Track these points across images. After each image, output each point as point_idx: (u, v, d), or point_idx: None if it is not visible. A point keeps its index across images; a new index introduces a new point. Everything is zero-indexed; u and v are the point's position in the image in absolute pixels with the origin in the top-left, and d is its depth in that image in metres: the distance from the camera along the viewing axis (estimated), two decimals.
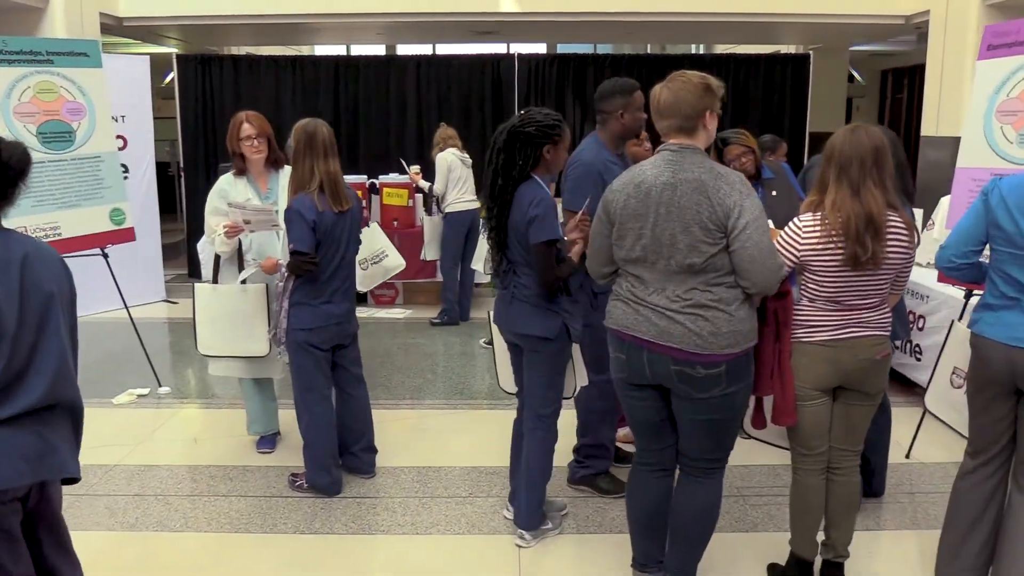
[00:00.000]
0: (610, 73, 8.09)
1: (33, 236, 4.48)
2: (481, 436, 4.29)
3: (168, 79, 9.74)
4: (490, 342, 3.36)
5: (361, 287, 4.66)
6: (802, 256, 2.56)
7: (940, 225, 4.59)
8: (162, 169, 9.37)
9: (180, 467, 3.97)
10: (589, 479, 3.62)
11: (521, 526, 3.23)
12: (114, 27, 8.33)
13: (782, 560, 2.93)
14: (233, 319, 3.81)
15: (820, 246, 2.52)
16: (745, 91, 8.49)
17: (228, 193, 3.79)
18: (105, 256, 5.03)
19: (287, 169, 3.68)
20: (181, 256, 8.99)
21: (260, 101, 8.19)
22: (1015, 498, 2.62)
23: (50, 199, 4.79)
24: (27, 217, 4.62)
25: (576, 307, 3.12)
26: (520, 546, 3.20)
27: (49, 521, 2.06)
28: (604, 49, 12.63)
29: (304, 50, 12.50)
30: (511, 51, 9.61)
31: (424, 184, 6.84)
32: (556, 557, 3.15)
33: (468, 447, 4.18)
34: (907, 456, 3.99)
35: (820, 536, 2.86)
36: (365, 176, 7.67)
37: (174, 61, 8.57)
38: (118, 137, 6.92)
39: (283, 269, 3.45)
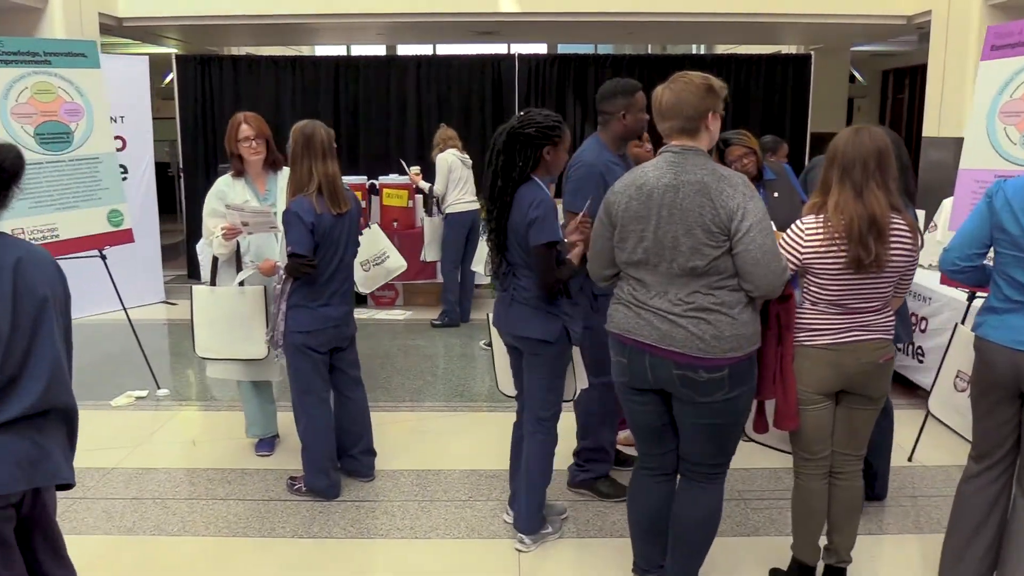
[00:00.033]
0: (611, 73, 8.08)
1: (31, 237, 4.52)
2: (481, 439, 4.27)
3: (168, 79, 9.73)
4: (490, 344, 3.34)
5: (363, 289, 4.65)
6: (804, 259, 2.53)
7: (943, 227, 4.56)
8: (162, 170, 9.36)
9: (178, 470, 3.95)
10: (589, 483, 3.60)
11: (521, 530, 3.20)
12: (114, 27, 8.31)
13: (784, 565, 2.91)
14: (231, 321, 3.79)
15: (823, 249, 2.50)
16: (746, 91, 8.46)
17: (226, 194, 3.77)
18: (103, 258, 5.00)
19: (286, 170, 3.66)
20: (181, 257, 8.98)
21: (260, 101, 8.18)
22: (1019, 502, 2.60)
23: (48, 200, 4.77)
24: (25, 219, 4.61)
25: (576, 309, 3.10)
26: (520, 550, 3.17)
27: (43, 528, 2.04)
28: (605, 49, 12.61)
29: (304, 50, 12.49)
30: (511, 51, 9.60)
31: (424, 185, 6.83)
32: (556, 561, 3.13)
33: (468, 450, 4.15)
34: (909, 459, 3.97)
35: (822, 541, 2.83)
36: (365, 177, 7.65)
37: (173, 61, 8.55)
38: (117, 138, 6.93)
39: (281, 271, 3.43)
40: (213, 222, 3.73)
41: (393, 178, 7.52)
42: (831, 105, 10.96)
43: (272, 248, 3.78)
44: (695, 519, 2.61)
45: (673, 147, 2.43)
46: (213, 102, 8.48)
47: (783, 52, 10.26)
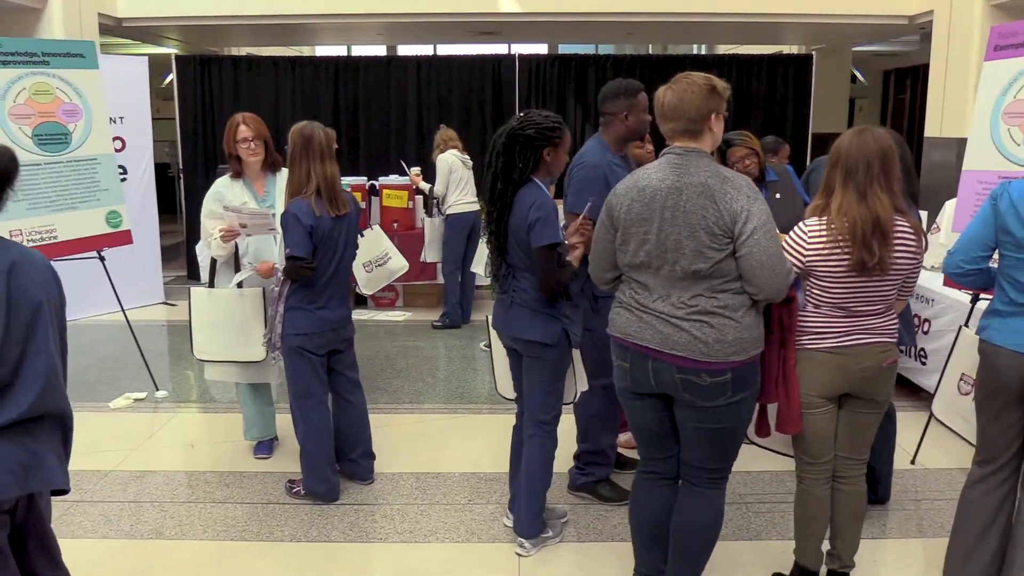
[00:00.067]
0: (611, 74, 8.06)
1: (29, 239, 4.50)
2: (481, 441, 4.25)
3: (168, 80, 9.71)
4: (489, 345, 3.32)
5: (365, 290, 4.63)
6: (807, 261, 2.51)
7: (946, 229, 4.54)
8: (162, 170, 9.35)
9: (177, 473, 3.93)
10: (590, 486, 3.57)
11: (521, 534, 3.18)
12: (113, 28, 8.29)
13: (786, 569, 2.88)
14: (229, 324, 3.76)
15: (826, 251, 2.48)
16: (747, 92, 8.44)
17: (224, 196, 3.75)
18: (102, 259, 4.98)
19: (284, 172, 3.64)
20: (180, 258, 8.96)
21: (260, 102, 8.16)
22: None
23: (46, 202, 4.75)
24: (22, 220, 4.59)
25: (576, 312, 3.08)
26: (520, 555, 3.15)
27: (38, 534, 2.02)
28: (605, 49, 12.60)
29: (304, 51, 12.48)
30: (512, 52, 9.57)
31: (424, 186, 6.80)
32: (556, 566, 3.11)
33: (468, 452, 4.13)
34: (912, 462, 3.94)
35: (825, 545, 2.81)
36: (365, 178, 7.63)
37: (173, 62, 8.53)
38: (117, 138, 6.92)
39: (279, 273, 3.40)
40: (211, 224, 3.71)
41: (393, 179, 7.49)
42: (832, 105, 10.94)
43: (271, 250, 3.76)
44: (696, 525, 2.58)
45: (676, 149, 2.41)
46: (213, 102, 8.46)
47: (784, 52, 10.24)
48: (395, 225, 7.20)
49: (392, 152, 8.38)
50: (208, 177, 7.79)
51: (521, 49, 10.20)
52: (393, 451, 4.09)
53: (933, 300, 4.54)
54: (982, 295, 3.47)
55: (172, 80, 8.63)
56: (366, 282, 4.57)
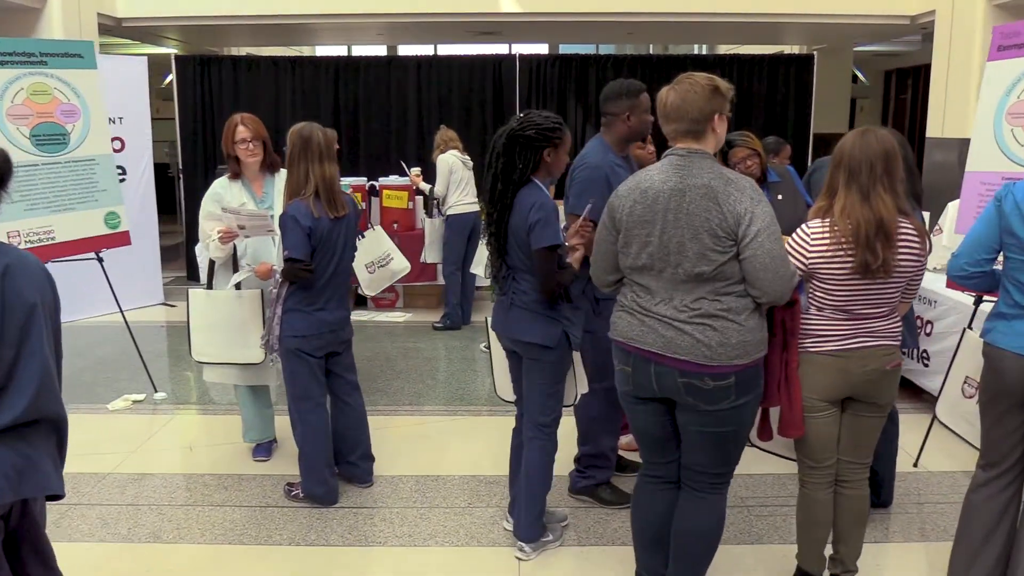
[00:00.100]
0: (612, 74, 8.04)
1: (27, 240, 4.48)
2: (481, 443, 4.23)
3: (168, 80, 9.69)
4: (489, 347, 3.29)
5: (368, 291, 4.61)
6: (810, 264, 2.48)
7: (948, 230, 4.51)
8: (162, 170, 9.33)
9: (175, 475, 3.91)
10: (590, 489, 3.55)
11: (521, 538, 3.16)
12: (113, 28, 8.28)
13: (788, 574, 2.85)
14: (228, 325, 3.74)
15: (829, 253, 2.45)
16: (748, 92, 8.41)
17: (222, 197, 3.73)
18: (100, 260, 4.96)
19: (283, 173, 3.61)
20: (180, 258, 8.94)
21: (260, 102, 8.15)
22: None
23: (44, 203, 4.73)
24: (20, 221, 4.57)
25: (577, 314, 3.05)
26: (520, 559, 3.13)
27: (32, 540, 1.99)
28: (606, 50, 12.58)
29: (305, 51, 12.46)
30: (512, 52, 9.55)
31: (425, 186, 6.78)
32: (557, 570, 3.08)
33: (468, 455, 4.11)
34: (915, 465, 3.92)
35: (828, 550, 2.78)
36: (365, 178, 7.61)
37: (173, 62, 8.51)
38: (116, 138, 6.90)
39: (277, 275, 3.38)
40: (210, 225, 3.69)
41: (393, 179, 7.47)
42: (833, 106, 10.92)
43: (269, 251, 3.73)
44: (697, 530, 2.55)
45: (679, 150, 2.38)
46: (213, 103, 8.44)
47: (785, 52, 10.22)
48: (395, 226, 7.17)
49: (392, 152, 8.37)
50: (208, 177, 7.76)
51: (522, 49, 10.18)
52: (393, 453, 4.07)
53: (936, 302, 4.51)
54: (986, 297, 3.45)
55: (172, 80, 8.62)
56: (368, 283, 4.55)
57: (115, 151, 6.78)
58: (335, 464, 3.64)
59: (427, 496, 3.66)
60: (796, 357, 2.52)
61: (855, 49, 11.34)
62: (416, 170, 7.05)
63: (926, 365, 4.57)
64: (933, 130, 7.52)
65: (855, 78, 12.47)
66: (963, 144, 6.62)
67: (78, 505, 3.55)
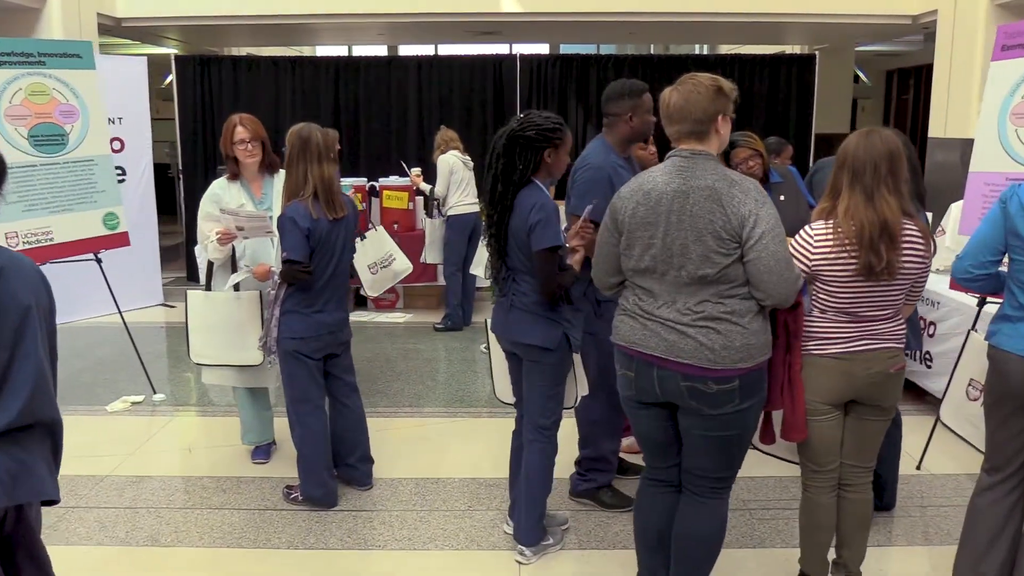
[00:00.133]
0: (613, 74, 8.02)
1: (25, 241, 4.46)
2: (482, 445, 4.20)
3: (168, 80, 9.67)
4: (489, 348, 3.27)
5: (370, 292, 4.59)
6: (813, 265, 2.46)
7: (951, 232, 4.49)
8: (162, 171, 9.31)
9: (173, 478, 3.89)
10: (591, 492, 3.53)
11: (521, 542, 3.13)
12: (113, 28, 8.26)
13: None
14: (226, 327, 3.72)
15: (832, 255, 2.43)
16: (749, 92, 8.37)
17: (221, 198, 3.70)
18: (99, 261, 4.94)
19: (282, 173, 3.59)
20: (180, 259, 8.92)
21: (260, 102, 8.13)
22: None
23: (42, 204, 4.71)
24: (18, 222, 4.55)
25: (577, 316, 3.03)
26: (520, 562, 3.11)
27: (27, 546, 1.97)
28: (607, 50, 12.56)
29: (305, 51, 12.44)
30: (513, 52, 9.54)
31: (425, 187, 6.76)
32: (557, 573, 3.06)
33: (468, 457, 4.08)
34: (918, 467, 3.89)
35: (831, 555, 2.76)
36: (365, 179, 7.58)
37: (172, 62, 8.49)
38: (115, 139, 6.88)
39: (276, 277, 3.36)
40: (208, 226, 3.67)
41: (393, 180, 7.45)
42: (835, 106, 10.89)
43: (268, 252, 3.71)
44: (699, 534, 2.53)
45: (682, 151, 2.35)
46: (213, 103, 8.42)
47: (787, 52, 10.19)
48: (395, 226, 7.15)
49: (393, 153, 8.34)
50: (208, 178, 7.74)
51: (522, 49, 10.16)
52: (392, 455, 4.05)
53: (939, 303, 4.49)
54: (989, 299, 3.43)
55: (172, 80, 8.60)
56: (371, 284, 4.53)
57: (115, 151, 6.78)
58: (334, 466, 3.62)
59: (427, 499, 3.63)
60: (799, 360, 2.50)
61: (857, 49, 11.32)
62: (416, 170, 7.03)
63: (929, 366, 4.55)
64: (935, 130, 7.50)
65: (856, 78, 12.44)
66: (965, 144, 6.61)
67: (76, 508, 3.53)
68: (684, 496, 2.56)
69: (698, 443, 2.43)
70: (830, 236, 2.43)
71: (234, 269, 3.76)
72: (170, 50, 10.43)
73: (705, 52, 12.81)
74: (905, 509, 3.51)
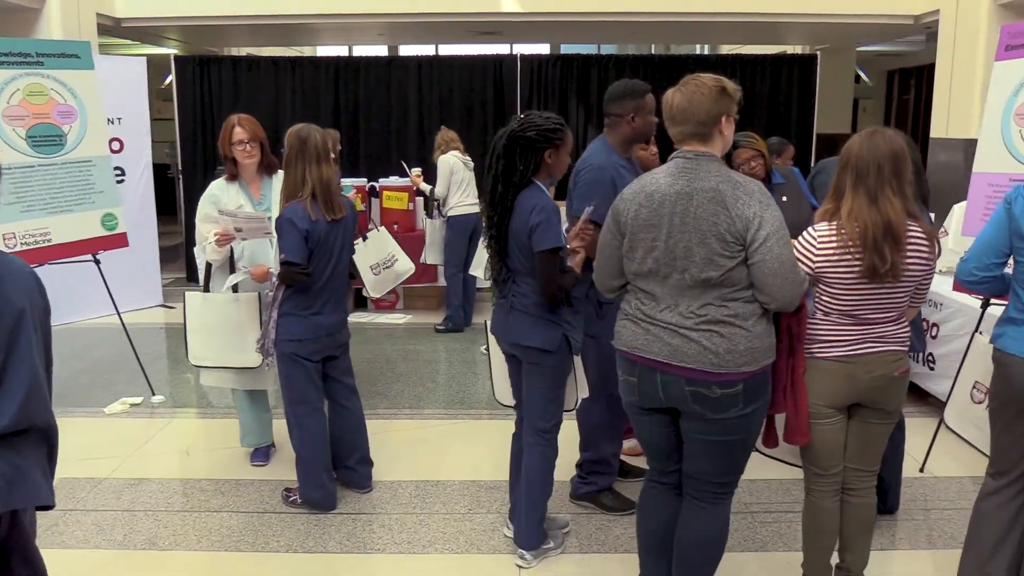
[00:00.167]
0: (614, 74, 8.00)
1: (23, 242, 4.44)
2: (482, 447, 4.18)
3: (168, 80, 9.65)
4: (489, 350, 3.25)
5: (373, 293, 4.57)
6: (817, 267, 2.43)
7: (955, 233, 4.46)
8: (162, 171, 9.29)
9: (172, 480, 3.86)
10: (592, 495, 3.50)
11: (522, 545, 3.11)
12: (112, 28, 8.24)
13: None
14: (225, 329, 3.70)
15: (836, 257, 2.40)
16: (751, 92, 8.35)
17: (219, 199, 3.68)
18: (97, 262, 4.92)
19: (281, 174, 3.57)
20: (180, 259, 8.90)
21: (259, 102, 8.12)
22: None
23: (40, 204, 4.69)
24: (16, 223, 4.53)
25: (577, 318, 3.01)
26: (520, 566, 3.08)
27: (22, 552, 1.95)
28: (608, 50, 12.54)
29: (305, 51, 12.43)
30: (513, 52, 9.52)
31: (425, 187, 6.74)
32: None
33: (468, 459, 4.06)
34: (921, 470, 3.86)
35: (834, 559, 2.73)
36: (365, 179, 7.56)
37: (172, 62, 8.47)
38: (115, 139, 6.86)
39: (274, 278, 3.34)
40: (206, 227, 3.64)
41: (393, 180, 7.43)
42: (836, 106, 10.87)
43: (267, 253, 3.69)
44: (700, 539, 2.50)
45: (685, 153, 2.33)
46: (212, 103, 8.40)
47: (788, 52, 10.17)
48: (395, 227, 7.12)
49: (393, 153, 8.32)
50: (207, 178, 7.69)
51: (523, 49, 10.15)
52: (392, 458, 4.02)
53: (942, 304, 4.46)
54: (993, 300, 3.40)
55: (171, 81, 8.58)
56: (374, 285, 4.51)
57: (114, 152, 6.77)
58: (333, 469, 3.59)
59: (426, 502, 3.61)
60: (802, 363, 2.47)
61: (858, 49, 11.29)
62: (417, 171, 7.01)
63: (932, 368, 4.52)
64: (937, 130, 7.47)
65: (858, 78, 12.42)
66: (967, 144, 6.59)
67: (73, 511, 3.51)
68: (686, 501, 2.53)
69: (700, 447, 2.40)
70: (833, 238, 2.41)
71: (232, 270, 3.74)
72: (170, 50, 10.41)
73: (706, 52, 12.79)
74: (908, 512, 3.48)
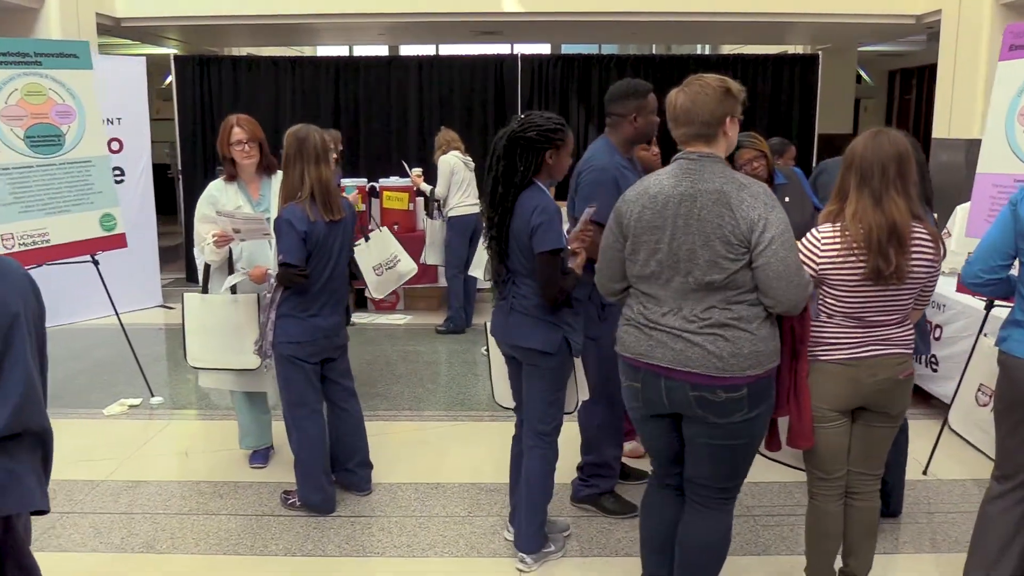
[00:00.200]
0: (615, 74, 7.98)
1: (21, 243, 4.42)
2: (483, 449, 4.15)
3: (167, 80, 9.63)
4: (488, 352, 3.23)
5: (376, 294, 4.55)
6: (821, 269, 2.41)
7: (957, 234, 4.43)
8: (161, 171, 9.27)
9: (170, 483, 3.84)
10: (593, 498, 3.48)
11: (522, 549, 3.08)
12: (112, 28, 8.23)
13: None
14: (223, 330, 3.67)
15: (840, 259, 2.38)
16: (752, 92, 8.31)
17: (218, 199, 3.66)
18: (95, 263, 4.90)
19: (280, 175, 3.55)
20: (179, 260, 8.88)
21: (259, 102, 8.10)
22: None
23: (38, 205, 4.66)
24: (14, 224, 4.51)
25: (578, 319, 2.98)
26: (521, 570, 3.06)
27: (17, 557, 1.92)
28: (608, 49, 12.51)
29: (305, 51, 12.41)
30: (514, 52, 9.49)
31: (426, 187, 6.71)
32: None
33: (469, 461, 4.04)
34: (924, 473, 3.84)
35: (837, 563, 2.71)
36: (366, 179, 7.54)
37: (172, 62, 8.45)
38: (114, 139, 6.84)
39: (272, 280, 3.31)
40: (205, 228, 3.62)
41: (394, 180, 7.41)
42: (838, 106, 10.84)
43: (265, 254, 3.66)
44: (702, 543, 2.47)
45: (689, 154, 2.30)
46: (212, 103, 8.38)
47: (789, 52, 10.15)
48: (396, 227, 7.09)
49: (393, 153, 8.30)
50: (207, 178, 7.67)
51: (523, 49, 10.13)
52: (392, 460, 4.00)
53: (945, 306, 4.43)
54: (997, 302, 3.38)
55: (171, 81, 8.56)
56: (376, 285, 4.49)
57: (113, 152, 6.75)
58: (332, 471, 3.57)
59: (426, 504, 3.59)
60: (806, 366, 2.45)
61: (859, 49, 11.27)
62: (417, 171, 6.98)
63: (935, 370, 4.49)
64: (939, 130, 7.45)
65: (859, 78, 12.39)
66: (970, 145, 6.57)
67: (70, 514, 3.48)
68: (687, 505, 2.50)
69: (703, 452, 2.38)
70: (837, 239, 2.38)
71: (231, 271, 3.71)
72: (169, 50, 10.39)
73: (707, 52, 12.76)
74: (912, 515, 3.45)
